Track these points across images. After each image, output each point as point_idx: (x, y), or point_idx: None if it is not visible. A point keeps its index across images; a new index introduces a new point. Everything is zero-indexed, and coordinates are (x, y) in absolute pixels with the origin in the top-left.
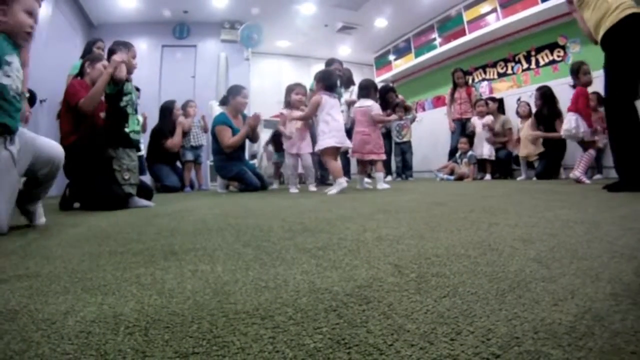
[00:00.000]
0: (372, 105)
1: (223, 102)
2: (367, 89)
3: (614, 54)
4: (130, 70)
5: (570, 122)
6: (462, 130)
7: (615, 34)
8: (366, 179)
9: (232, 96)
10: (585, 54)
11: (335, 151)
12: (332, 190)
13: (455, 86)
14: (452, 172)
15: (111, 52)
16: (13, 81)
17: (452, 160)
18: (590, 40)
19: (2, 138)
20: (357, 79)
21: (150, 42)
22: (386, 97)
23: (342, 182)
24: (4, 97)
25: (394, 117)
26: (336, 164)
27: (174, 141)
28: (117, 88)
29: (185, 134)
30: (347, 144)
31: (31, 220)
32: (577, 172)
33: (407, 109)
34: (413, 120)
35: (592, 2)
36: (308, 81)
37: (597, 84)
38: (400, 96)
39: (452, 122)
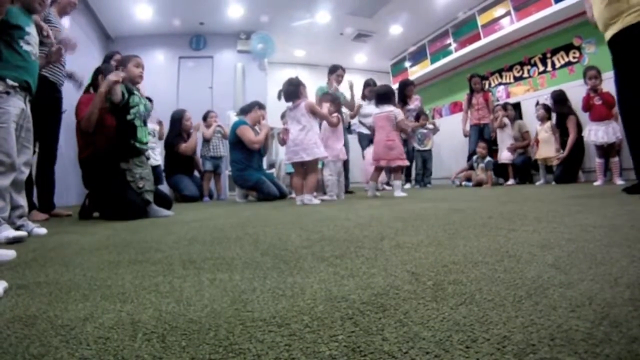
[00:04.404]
0: (394, 111)
1: (245, 110)
2: (386, 95)
3: (629, 55)
4: (134, 81)
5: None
6: (480, 135)
7: (633, 35)
8: (386, 186)
9: (258, 107)
10: (600, 54)
11: (298, 166)
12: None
13: (472, 92)
14: (469, 179)
15: (120, 63)
16: (33, 48)
17: (469, 163)
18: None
19: (25, 93)
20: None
21: (167, 53)
22: (405, 90)
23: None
24: (26, 60)
25: (418, 124)
26: (295, 181)
27: (189, 145)
28: (121, 104)
29: (207, 141)
30: (297, 157)
31: (28, 233)
32: (618, 181)
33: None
34: (436, 131)
35: None
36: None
37: (610, 84)
38: (417, 96)
39: (466, 128)
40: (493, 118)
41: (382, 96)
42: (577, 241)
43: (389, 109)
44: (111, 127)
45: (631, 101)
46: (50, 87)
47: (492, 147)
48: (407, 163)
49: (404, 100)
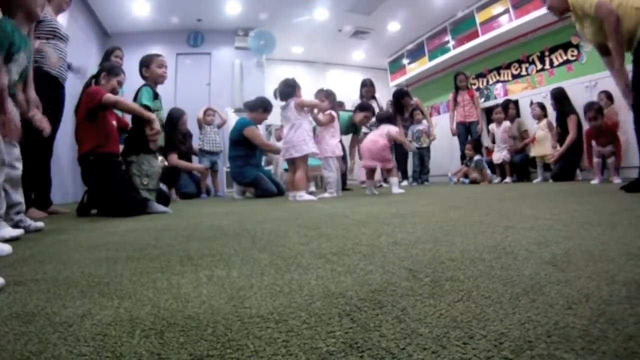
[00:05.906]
0: (390, 127)
1: (250, 107)
2: (387, 119)
3: None
4: (157, 81)
5: None
6: (468, 133)
7: None
8: (384, 184)
9: (262, 110)
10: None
11: (290, 164)
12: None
13: (457, 90)
14: (466, 176)
15: (144, 63)
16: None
17: (464, 163)
18: (596, 48)
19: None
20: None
21: (164, 50)
22: (401, 101)
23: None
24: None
25: (410, 145)
26: (288, 177)
27: (180, 164)
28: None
29: (201, 127)
30: (287, 155)
31: (25, 229)
32: (616, 179)
33: (422, 113)
34: (431, 140)
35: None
36: (323, 87)
37: (608, 83)
38: (415, 98)
39: (453, 126)
40: (495, 120)
41: (383, 119)
42: (574, 238)
43: (387, 127)
44: (107, 124)
45: None
46: (51, 82)
47: (488, 146)
48: (387, 166)
49: (400, 111)
